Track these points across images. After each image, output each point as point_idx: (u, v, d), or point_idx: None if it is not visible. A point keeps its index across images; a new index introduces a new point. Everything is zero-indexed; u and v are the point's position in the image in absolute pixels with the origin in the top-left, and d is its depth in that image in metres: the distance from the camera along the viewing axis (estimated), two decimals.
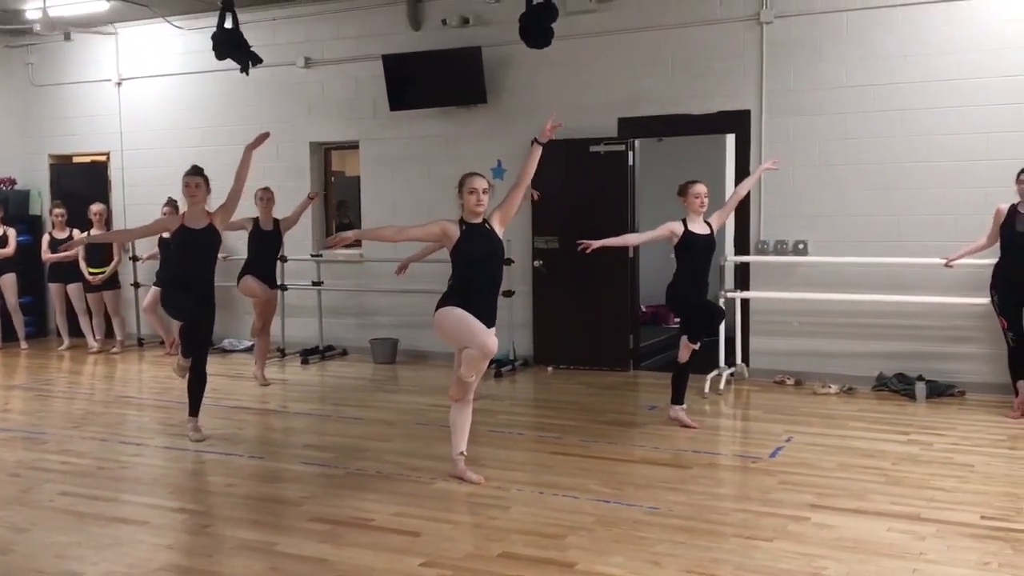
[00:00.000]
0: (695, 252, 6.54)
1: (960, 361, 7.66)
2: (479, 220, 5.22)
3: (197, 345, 6.43)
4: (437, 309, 5.18)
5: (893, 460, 5.72)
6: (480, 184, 5.18)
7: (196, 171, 6.51)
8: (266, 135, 6.66)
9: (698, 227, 6.57)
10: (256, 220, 8.36)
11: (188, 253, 6.42)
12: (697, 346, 6.65)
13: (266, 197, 8.48)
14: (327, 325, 10.06)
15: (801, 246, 8.12)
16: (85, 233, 10.08)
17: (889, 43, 7.78)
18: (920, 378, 7.56)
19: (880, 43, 7.81)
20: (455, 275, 5.22)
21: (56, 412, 7.59)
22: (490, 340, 5.04)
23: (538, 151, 5.35)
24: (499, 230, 5.27)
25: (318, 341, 10.01)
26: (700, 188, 6.59)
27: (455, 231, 5.16)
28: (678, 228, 6.53)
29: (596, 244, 6.51)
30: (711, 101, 8.40)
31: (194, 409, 6.50)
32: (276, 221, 8.50)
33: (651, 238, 6.70)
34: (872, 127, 7.85)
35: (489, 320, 5.14)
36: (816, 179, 8.08)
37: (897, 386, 7.65)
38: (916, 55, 7.69)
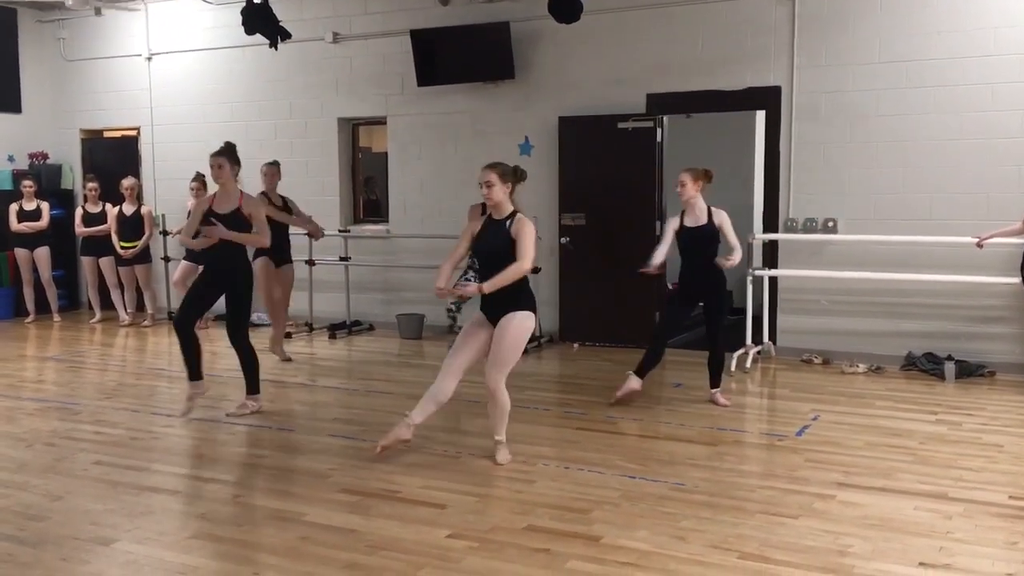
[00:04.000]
0: (683, 245, 6.48)
1: (990, 341, 7.59)
2: (501, 215, 5.12)
3: (233, 329, 6.43)
4: None
5: (921, 439, 5.70)
6: (482, 177, 5.10)
7: (217, 151, 6.34)
8: None
9: (691, 218, 6.42)
10: (267, 196, 8.08)
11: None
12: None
13: (270, 172, 8.31)
14: (354, 300, 10.13)
15: (831, 224, 8.05)
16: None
17: (923, 18, 7.66)
18: (949, 358, 7.50)
19: (914, 18, 7.69)
20: None
21: (89, 383, 7.72)
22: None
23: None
24: (513, 230, 5.08)
25: (345, 316, 10.08)
26: (679, 177, 6.42)
27: (478, 226, 5.19)
28: (675, 222, 6.49)
29: (655, 265, 6.55)
30: (741, 77, 8.32)
31: (252, 387, 6.50)
32: (284, 199, 8.40)
33: (669, 242, 6.57)
34: (904, 104, 7.75)
35: (494, 312, 5.15)
36: (847, 156, 8.00)
37: (926, 366, 7.59)
38: (950, 31, 7.57)
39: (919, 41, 7.67)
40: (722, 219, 6.42)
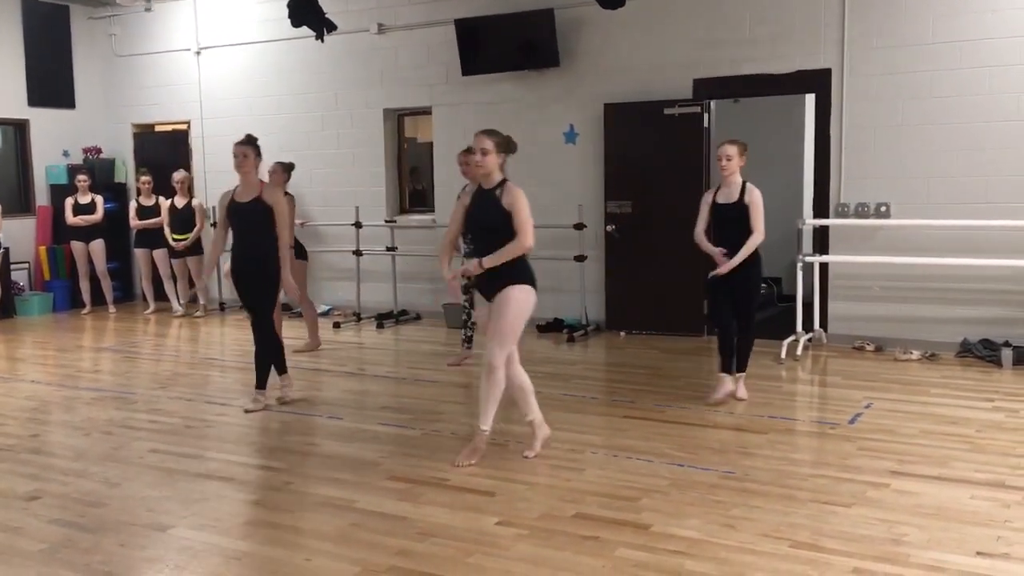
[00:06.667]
0: (716, 223, 6.16)
1: None
2: (490, 184, 4.92)
3: (250, 310, 6.46)
4: None
5: (977, 427, 5.58)
6: (478, 143, 4.87)
7: (243, 140, 6.34)
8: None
9: (725, 195, 6.13)
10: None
11: (235, 228, 6.30)
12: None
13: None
14: (401, 290, 10.19)
15: (883, 208, 7.91)
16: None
17: None
18: (1006, 344, 7.33)
19: None
20: None
21: (144, 373, 7.87)
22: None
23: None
24: (506, 201, 4.85)
25: (392, 306, 10.14)
26: (723, 149, 6.07)
27: (468, 200, 5.03)
28: (709, 198, 6.23)
29: (726, 266, 6.03)
30: (790, 60, 8.19)
31: (260, 382, 6.42)
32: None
33: (706, 222, 6.24)
34: (958, 85, 7.57)
35: (489, 288, 4.95)
36: (899, 139, 7.84)
37: (982, 352, 7.43)
38: (1006, 9, 7.37)
39: (973, 20, 7.49)
40: (753, 198, 6.07)
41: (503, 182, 4.93)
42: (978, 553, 3.77)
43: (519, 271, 4.95)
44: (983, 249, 7.49)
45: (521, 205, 4.86)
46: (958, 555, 3.75)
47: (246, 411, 6.33)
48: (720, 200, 6.17)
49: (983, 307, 7.64)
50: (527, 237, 4.86)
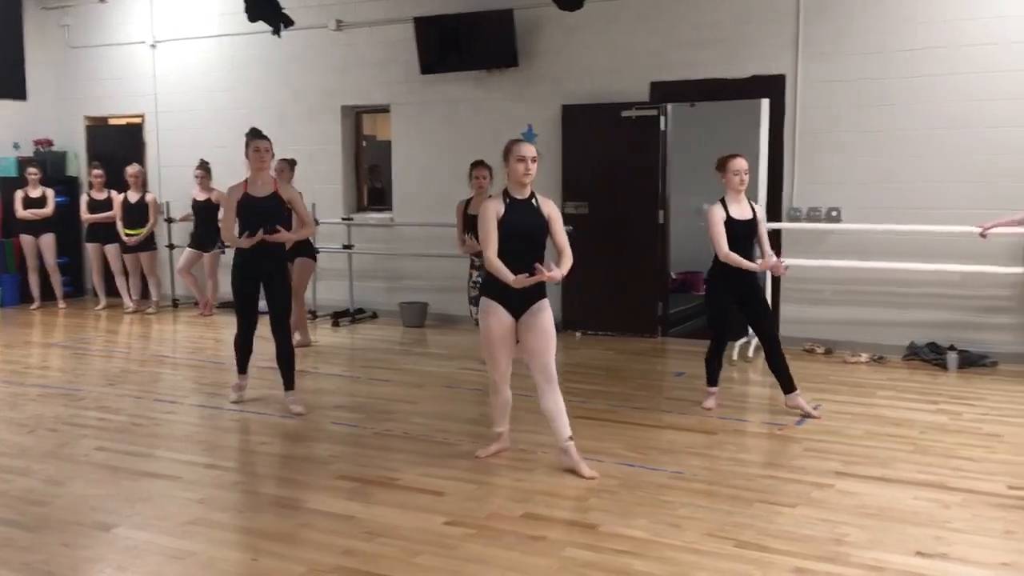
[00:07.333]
0: (733, 240, 5.88)
1: (993, 331, 7.56)
2: (525, 195, 4.87)
3: (273, 315, 6.28)
4: (481, 296, 5.03)
5: (921, 429, 5.69)
6: (529, 152, 4.80)
7: (262, 135, 6.21)
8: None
9: (739, 210, 5.93)
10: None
11: (250, 224, 6.10)
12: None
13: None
14: (357, 288, 10.13)
15: (834, 213, 8.02)
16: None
17: (930, 6, 7.61)
18: (952, 348, 7.48)
19: (920, 6, 7.64)
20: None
21: (93, 370, 7.75)
22: (496, 370, 5.01)
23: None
24: (544, 211, 4.89)
25: (348, 304, 10.09)
26: (739, 163, 5.91)
27: (501, 208, 4.84)
28: (721, 213, 5.89)
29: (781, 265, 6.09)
30: (746, 65, 8.28)
31: (287, 383, 6.30)
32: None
33: (722, 238, 5.87)
34: (910, 92, 7.71)
35: (522, 303, 4.87)
36: (851, 145, 7.96)
37: (929, 356, 7.58)
38: (957, 19, 7.52)
39: (924, 29, 7.63)
40: (762, 213, 6.11)
41: (532, 192, 4.93)
42: (917, 553, 3.85)
43: (544, 285, 4.93)
44: (931, 254, 7.63)
45: (559, 216, 4.96)
46: (897, 555, 3.83)
47: (296, 414, 6.14)
48: (737, 216, 5.93)
49: (931, 311, 7.79)
50: (569, 249, 4.94)
